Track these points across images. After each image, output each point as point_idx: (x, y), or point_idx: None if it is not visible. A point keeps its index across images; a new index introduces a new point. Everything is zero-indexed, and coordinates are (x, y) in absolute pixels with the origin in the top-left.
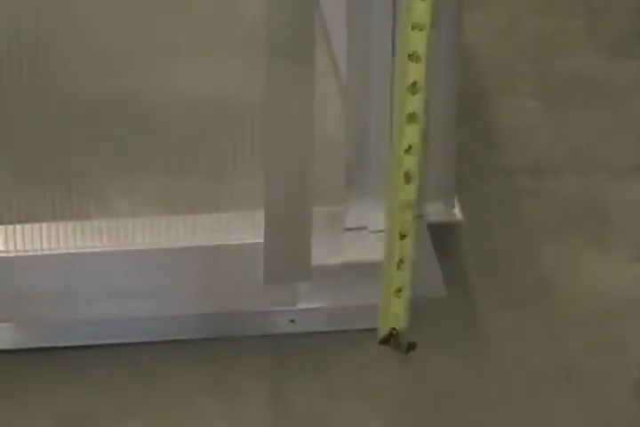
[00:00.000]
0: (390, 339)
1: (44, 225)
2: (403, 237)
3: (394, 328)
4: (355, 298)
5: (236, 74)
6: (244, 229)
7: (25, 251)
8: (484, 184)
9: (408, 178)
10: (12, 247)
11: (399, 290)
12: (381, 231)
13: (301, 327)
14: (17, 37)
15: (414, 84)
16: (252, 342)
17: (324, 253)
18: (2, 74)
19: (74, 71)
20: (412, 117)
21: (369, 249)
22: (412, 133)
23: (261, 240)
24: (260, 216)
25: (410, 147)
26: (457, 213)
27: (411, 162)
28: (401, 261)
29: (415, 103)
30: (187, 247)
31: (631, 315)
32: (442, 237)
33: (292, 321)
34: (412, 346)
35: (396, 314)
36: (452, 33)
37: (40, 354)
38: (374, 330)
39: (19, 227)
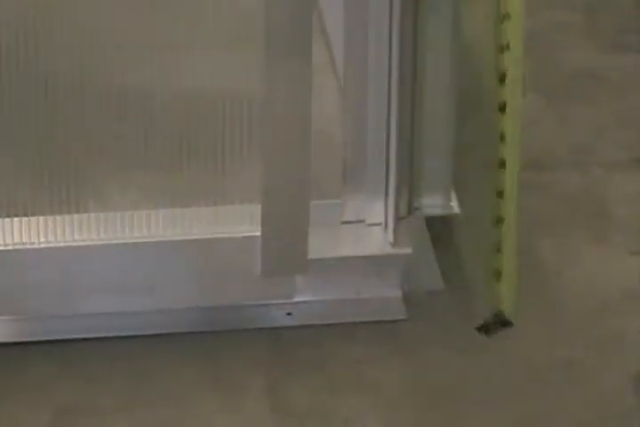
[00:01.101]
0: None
1: (42, 218)
2: (500, 221)
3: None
4: (352, 291)
5: (234, 68)
6: (242, 223)
7: (22, 244)
8: (482, 178)
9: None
10: (9, 241)
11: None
12: (378, 224)
13: (298, 320)
14: (15, 30)
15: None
16: (249, 336)
17: (322, 246)
18: (0, 68)
19: (72, 65)
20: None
21: (366, 242)
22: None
23: (259, 233)
24: (257, 209)
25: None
26: (454, 206)
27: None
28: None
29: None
30: (184, 240)
31: (630, 309)
32: (440, 230)
33: (289, 314)
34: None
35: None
36: (451, 27)
37: (37, 347)
38: (371, 323)
39: (16, 220)
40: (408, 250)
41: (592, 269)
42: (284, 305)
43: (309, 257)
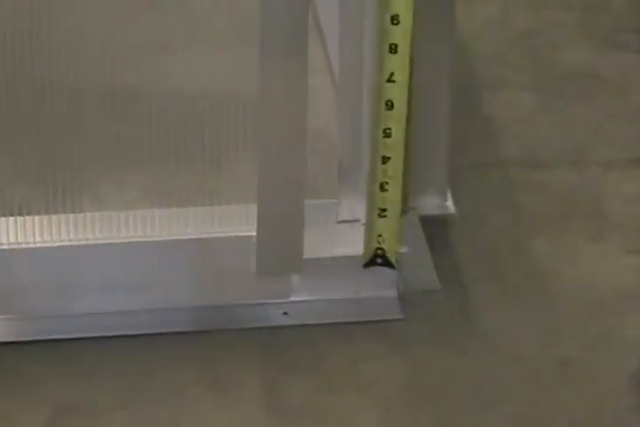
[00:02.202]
0: (375, 260)
1: (37, 218)
2: (386, 159)
3: (379, 248)
4: (347, 290)
5: (229, 68)
6: (238, 222)
7: (18, 243)
8: (478, 177)
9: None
10: (4, 240)
11: (382, 210)
12: None
13: (294, 320)
14: (13, 30)
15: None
16: (244, 335)
17: (317, 245)
18: None
19: (68, 65)
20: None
21: (361, 242)
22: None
23: (254, 233)
24: (253, 209)
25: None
26: (450, 206)
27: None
28: (385, 183)
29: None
30: (180, 240)
31: (627, 308)
32: (435, 230)
33: (285, 313)
34: None
35: (379, 235)
36: (446, 25)
37: (34, 346)
38: (367, 323)
39: (12, 219)
40: (403, 249)
41: (588, 268)
42: (280, 304)
43: (305, 256)
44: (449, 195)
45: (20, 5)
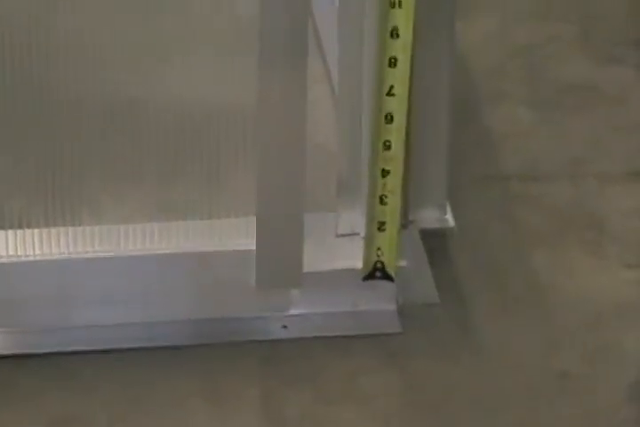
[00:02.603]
0: (375, 273)
1: (36, 231)
2: (385, 173)
3: (378, 261)
4: (347, 304)
5: (228, 80)
6: (237, 236)
7: (17, 256)
8: (477, 190)
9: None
10: (3, 253)
11: (381, 223)
12: None
13: (293, 333)
14: (9, 43)
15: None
16: (244, 348)
17: (316, 259)
18: None
19: (65, 77)
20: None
21: (361, 255)
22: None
23: (254, 246)
24: (252, 222)
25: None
26: (449, 219)
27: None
28: (385, 196)
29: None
30: (179, 253)
31: (624, 321)
32: (434, 243)
33: (285, 327)
34: None
35: (378, 248)
36: (445, 39)
37: (32, 359)
38: (366, 336)
39: (11, 232)
40: (403, 263)
41: (586, 281)
42: (279, 318)
43: (304, 270)
44: (448, 208)
45: (19, 15)
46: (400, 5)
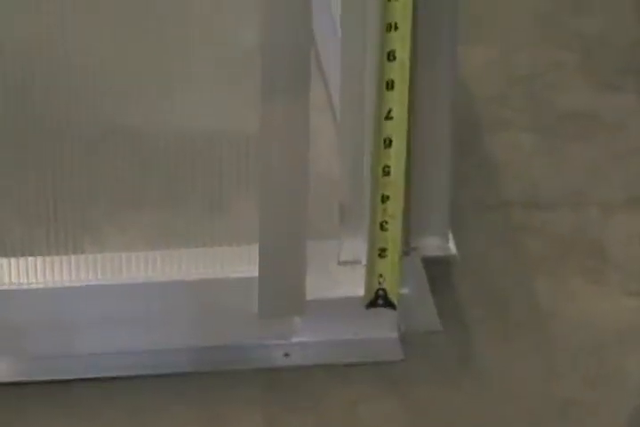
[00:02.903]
0: (377, 301)
1: (38, 259)
2: (385, 198)
3: (380, 289)
4: (349, 332)
5: (231, 108)
6: (239, 263)
7: (19, 284)
8: (478, 218)
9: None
10: (6, 280)
11: (383, 250)
12: None
13: (296, 361)
14: (9, 70)
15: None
16: (246, 376)
17: (319, 286)
18: None
19: (67, 105)
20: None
21: (363, 283)
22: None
23: (256, 274)
24: (254, 250)
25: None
26: (451, 247)
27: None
28: (385, 222)
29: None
30: (181, 281)
31: (626, 347)
32: (436, 271)
33: (287, 355)
34: None
35: (380, 275)
36: (447, 66)
37: (36, 387)
38: (368, 364)
39: (13, 260)
40: (405, 290)
41: (588, 309)
42: (281, 346)
43: (306, 298)
44: (450, 236)
45: (19, 45)
46: (396, 28)
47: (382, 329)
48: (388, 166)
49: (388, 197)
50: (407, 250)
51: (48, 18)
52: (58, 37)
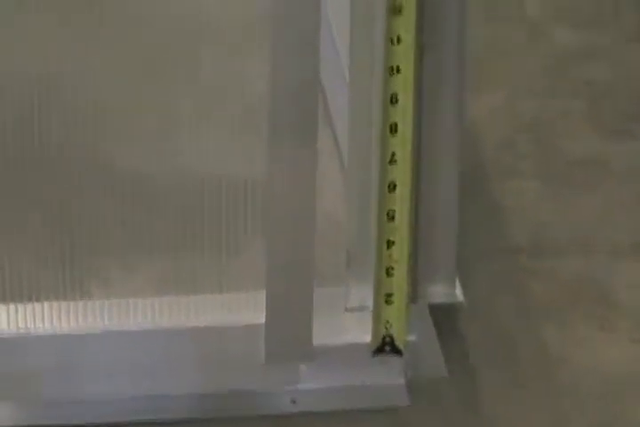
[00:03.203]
0: (384, 348)
1: (46, 304)
2: (390, 243)
3: (387, 335)
4: (356, 378)
5: (238, 153)
6: (246, 310)
7: (26, 330)
8: (485, 264)
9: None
10: (13, 326)
11: (389, 296)
12: None
13: (303, 407)
14: (16, 111)
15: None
16: (253, 423)
17: (326, 332)
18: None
19: (74, 149)
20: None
21: (370, 329)
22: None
23: (263, 321)
24: (261, 296)
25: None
26: (458, 293)
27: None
28: (391, 267)
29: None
30: (188, 327)
31: (634, 395)
32: (443, 317)
33: (294, 402)
34: None
35: (387, 321)
36: (454, 112)
37: None
38: (375, 410)
39: (20, 306)
40: (411, 337)
41: (596, 355)
42: (288, 392)
43: (314, 344)
44: (457, 282)
45: (22, 83)
46: (399, 71)
47: (389, 375)
48: (393, 211)
49: (393, 243)
50: (414, 297)
51: (52, 57)
52: (62, 77)
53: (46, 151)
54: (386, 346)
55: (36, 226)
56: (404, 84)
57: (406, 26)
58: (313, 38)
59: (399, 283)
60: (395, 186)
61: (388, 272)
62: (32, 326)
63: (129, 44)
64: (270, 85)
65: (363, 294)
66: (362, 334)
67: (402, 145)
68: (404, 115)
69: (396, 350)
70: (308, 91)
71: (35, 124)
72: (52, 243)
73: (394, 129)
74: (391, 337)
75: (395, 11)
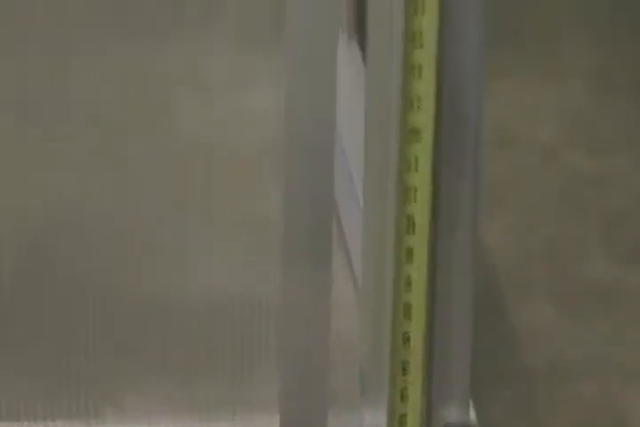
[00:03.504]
0: None
1: (59, 424)
2: (405, 365)
3: None
4: None
5: (251, 275)
6: None
7: None
8: (499, 387)
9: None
10: None
11: (403, 416)
12: None
13: None
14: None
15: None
16: None
17: None
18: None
19: (88, 272)
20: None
21: None
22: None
23: None
24: (275, 421)
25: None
26: (472, 417)
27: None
28: (405, 388)
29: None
30: None
31: None
32: None
33: None
34: None
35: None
36: (468, 236)
37: None
38: None
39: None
40: None
41: None
42: None
43: None
44: (471, 405)
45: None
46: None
47: None
48: (408, 333)
49: (408, 364)
50: (428, 420)
51: (62, 184)
52: (72, 205)
53: (60, 274)
54: None
55: (48, 347)
56: (421, 210)
57: (424, 150)
58: (328, 160)
59: (413, 405)
60: (410, 307)
61: (403, 394)
62: None
63: (143, 168)
64: (284, 207)
65: (377, 419)
66: None
67: (417, 269)
68: (420, 240)
69: None
70: (322, 213)
71: (43, 246)
72: (64, 366)
73: (410, 254)
74: None
75: (413, 134)
